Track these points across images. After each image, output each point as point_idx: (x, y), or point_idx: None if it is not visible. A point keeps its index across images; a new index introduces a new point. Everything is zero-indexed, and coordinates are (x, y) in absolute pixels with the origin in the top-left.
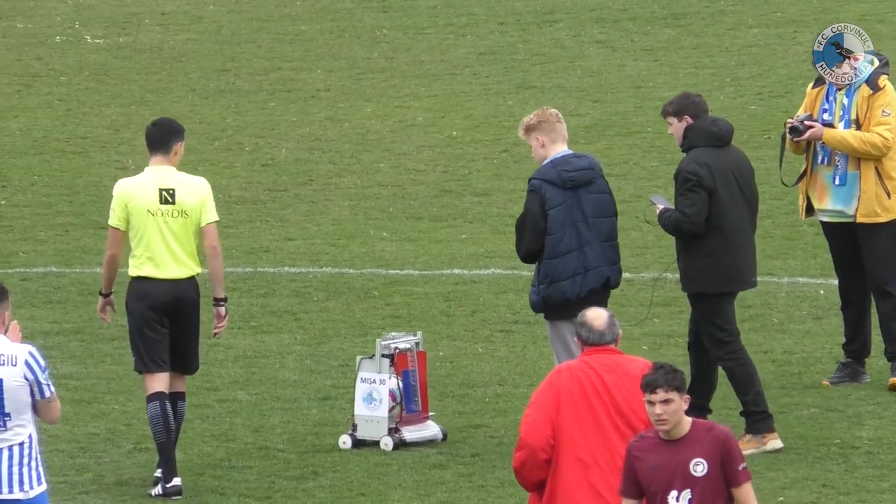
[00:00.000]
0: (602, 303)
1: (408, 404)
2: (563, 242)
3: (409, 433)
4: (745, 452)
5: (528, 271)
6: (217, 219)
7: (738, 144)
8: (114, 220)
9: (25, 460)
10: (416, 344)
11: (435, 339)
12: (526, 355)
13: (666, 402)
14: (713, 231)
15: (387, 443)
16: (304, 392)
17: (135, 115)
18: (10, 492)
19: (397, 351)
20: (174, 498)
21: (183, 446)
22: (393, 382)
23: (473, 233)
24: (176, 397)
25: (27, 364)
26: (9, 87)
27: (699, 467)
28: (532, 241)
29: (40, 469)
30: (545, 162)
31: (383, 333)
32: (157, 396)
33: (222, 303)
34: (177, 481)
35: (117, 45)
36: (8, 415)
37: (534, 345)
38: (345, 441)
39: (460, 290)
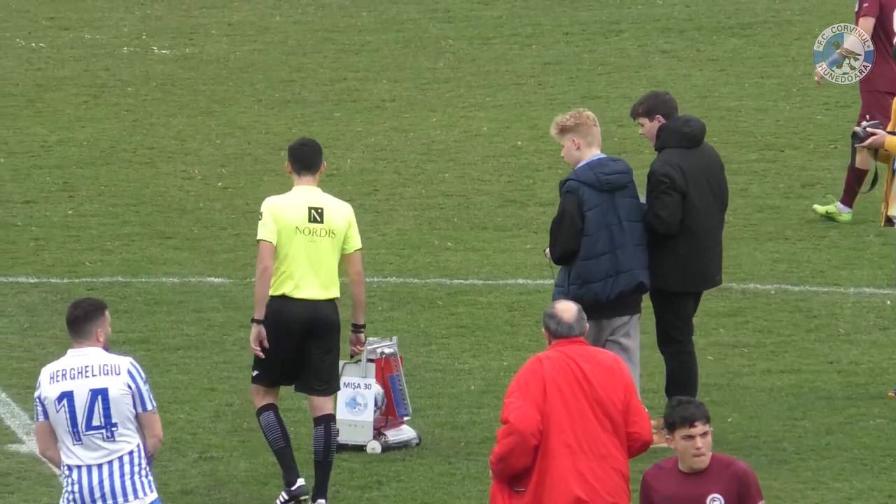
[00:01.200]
0: (632, 306)
1: (398, 408)
2: (599, 244)
3: (392, 437)
4: (656, 444)
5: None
6: (361, 246)
7: (804, 155)
8: (265, 233)
9: (136, 469)
10: (395, 349)
11: (499, 349)
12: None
13: (704, 434)
14: (683, 232)
15: (374, 447)
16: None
17: (201, 126)
18: (126, 500)
19: (383, 356)
20: (302, 498)
21: (248, 455)
22: (377, 387)
23: (538, 243)
24: (328, 419)
25: (129, 373)
26: (76, 98)
27: (715, 503)
28: (569, 241)
29: (150, 477)
30: (581, 164)
31: (371, 338)
32: (270, 407)
33: (361, 329)
34: (300, 482)
35: (184, 55)
36: (115, 424)
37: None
38: None
39: (524, 300)
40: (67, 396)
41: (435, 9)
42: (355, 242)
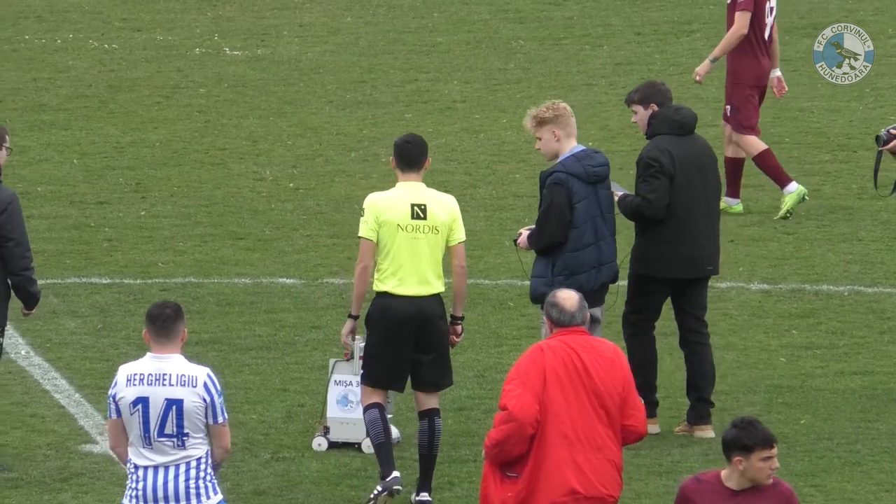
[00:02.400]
0: (604, 297)
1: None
2: (586, 236)
3: None
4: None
5: None
6: (465, 238)
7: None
8: (365, 231)
9: (202, 473)
10: None
11: None
12: (663, 366)
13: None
14: (668, 218)
15: (369, 445)
16: (440, 403)
17: (272, 127)
18: (189, 503)
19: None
20: (395, 488)
21: (320, 456)
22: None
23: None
24: (432, 413)
25: (205, 386)
26: (149, 99)
27: None
28: (557, 233)
29: (214, 480)
30: (566, 155)
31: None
32: (375, 405)
33: (459, 321)
34: (395, 475)
35: (256, 56)
36: (186, 434)
37: (670, 356)
38: (320, 444)
39: None
40: (143, 402)
41: (506, 9)
42: (459, 235)
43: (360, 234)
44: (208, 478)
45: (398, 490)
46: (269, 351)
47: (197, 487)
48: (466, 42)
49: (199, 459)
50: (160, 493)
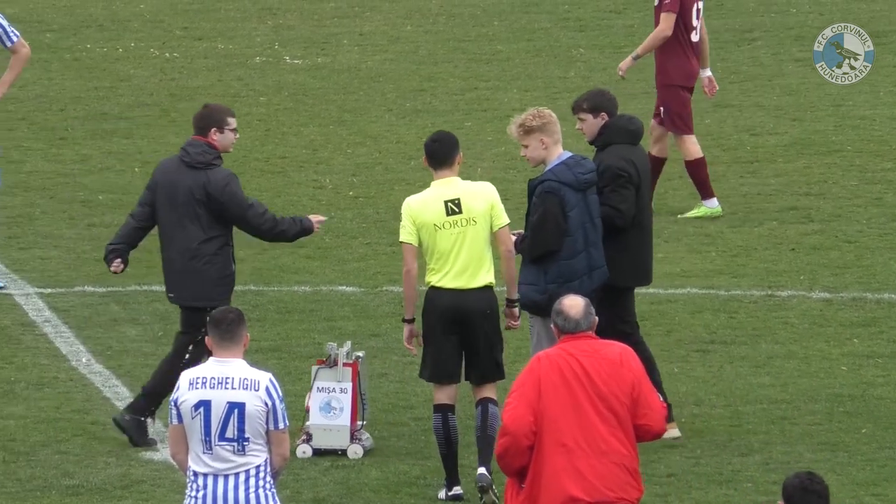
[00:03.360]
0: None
1: (362, 413)
2: (578, 243)
3: (364, 440)
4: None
5: (724, 290)
6: (508, 221)
7: None
8: (405, 236)
9: (261, 483)
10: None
11: None
12: (723, 375)
13: None
14: (634, 227)
15: (356, 451)
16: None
17: (332, 135)
18: None
19: (358, 359)
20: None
21: (380, 464)
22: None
23: (669, 252)
24: (486, 401)
25: (267, 390)
26: None
27: None
28: (552, 242)
29: (274, 489)
30: (556, 163)
31: (329, 343)
32: (441, 409)
33: (515, 304)
34: (457, 490)
35: (316, 65)
36: (247, 439)
37: (730, 365)
38: (304, 451)
39: (655, 310)
40: (204, 405)
41: (566, 18)
42: (501, 220)
43: (400, 240)
44: (268, 486)
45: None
46: None
47: (257, 496)
48: (527, 51)
49: (258, 468)
50: (220, 502)
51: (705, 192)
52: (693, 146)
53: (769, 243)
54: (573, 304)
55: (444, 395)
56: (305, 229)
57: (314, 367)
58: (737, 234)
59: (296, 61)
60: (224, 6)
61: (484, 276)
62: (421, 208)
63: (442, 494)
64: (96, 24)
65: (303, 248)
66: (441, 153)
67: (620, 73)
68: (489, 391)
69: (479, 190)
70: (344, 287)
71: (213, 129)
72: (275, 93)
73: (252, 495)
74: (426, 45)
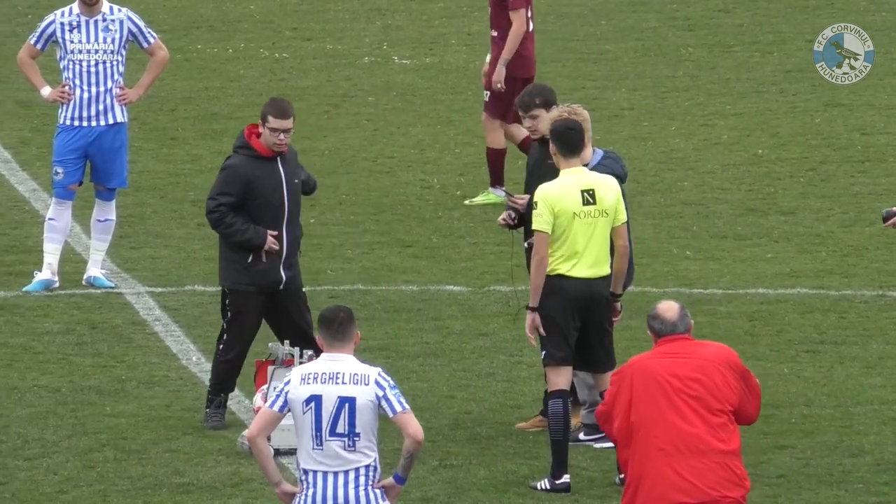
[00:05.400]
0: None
1: None
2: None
3: None
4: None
5: (835, 290)
6: (626, 219)
7: None
8: (541, 223)
9: (371, 482)
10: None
11: None
12: (833, 375)
13: None
14: None
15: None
16: None
17: (440, 135)
18: None
19: (313, 358)
20: (561, 494)
21: (487, 463)
22: None
23: (779, 252)
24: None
25: (377, 383)
26: (318, 108)
27: None
28: None
29: (383, 491)
30: (602, 158)
31: (271, 344)
32: (561, 394)
33: (618, 298)
34: (566, 478)
35: (424, 65)
36: (357, 434)
37: (841, 365)
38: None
39: (765, 310)
40: (315, 400)
41: (675, 17)
42: (622, 216)
43: (534, 227)
44: (376, 483)
45: (565, 493)
46: (437, 358)
47: (367, 494)
48: (635, 50)
49: (367, 467)
50: (329, 501)
51: (496, 180)
52: (501, 136)
53: (880, 243)
54: (668, 307)
55: (563, 380)
56: (250, 242)
57: (270, 368)
58: (848, 234)
59: (404, 61)
60: (333, 7)
61: (608, 266)
62: (560, 195)
63: (546, 484)
64: (207, 24)
65: (410, 247)
66: (575, 140)
67: (499, 85)
68: (608, 381)
69: (609, 182)
70: (451, 286)
71: (259, 123)
72: (383, 93)
73: (362, 493)
74: (534, 45)
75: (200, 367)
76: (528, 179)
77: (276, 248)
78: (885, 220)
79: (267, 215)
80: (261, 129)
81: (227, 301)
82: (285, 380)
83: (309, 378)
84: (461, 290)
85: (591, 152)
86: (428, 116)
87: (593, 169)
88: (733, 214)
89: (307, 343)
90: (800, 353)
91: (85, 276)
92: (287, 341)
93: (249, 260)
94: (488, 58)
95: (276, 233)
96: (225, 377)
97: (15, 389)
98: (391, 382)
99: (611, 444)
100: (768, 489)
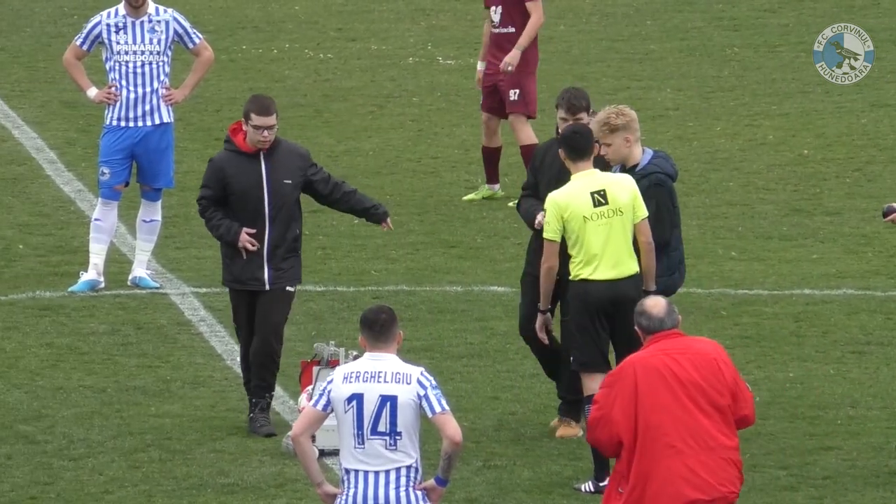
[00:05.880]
0: None
1: None
2: (678, 235)
3: None
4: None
5: (881, 291)
6: (647, 214)
7: None
8: (549, 232)
9: (412, 483)
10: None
11: (785, 360)
12: (879, 377)
13: None
14: None
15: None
16: None
17: None
18: None
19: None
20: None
21: (531, 464)
22: None
23: (825, 252)
24: None
25: (419, 382)
26: (363, 108)
27: None
28: (668, 233)
29: (424, 492)
30: (650, 158)
31: (317, 344)
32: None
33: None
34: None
35: (468, 65)
36: (399, 433)
37: (887, 366)
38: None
39: (811, 311)
40: (357, 398)
41: (720, 17)
42: (641, 212)
43: (544, 236)
44: (419, 492)
45: None
46: (481, 359)
47: (408, 495)
48: (680, 50)
49: (409, 468)
50: (370, 501)
51: (495, 179)
52: (531, 133)
53: None
54: (655, 303)
55: (596, 384)
56: (222, 238)
57: (315, 369)
58: (894, 235)
59: (448, 62)
60: (378, 7)
61: (633, 264)
62: (568, 201)
63: (590, 486)
64: (251, 25)
65: (454, 248)
66: (582, 145)
67: (510, 67)
68: None
69: (622, 181)
70: (496, 287)
71: (242, 120)
72: (427, 93)
73: (403, 494)
74: (578, 45)
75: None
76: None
77: (252, 247)
78: (885, 215)
79: (245, 212)
80: (244, 127)
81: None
82: (328, 379)
83: (351, 377)
84: (505, 291)
85: (640, 152)
86: (472, 117)
87: (642, 169)
88: (779, 215)
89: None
90: (846, 355)
91: (130, 277)
92: (332, 342)
93: (231, 258)
94: (480, 65)
95: (252, 231)
96: (245, 376)
97: (60, 390)
98: (433, 382)
99: None
100: (814, 490)
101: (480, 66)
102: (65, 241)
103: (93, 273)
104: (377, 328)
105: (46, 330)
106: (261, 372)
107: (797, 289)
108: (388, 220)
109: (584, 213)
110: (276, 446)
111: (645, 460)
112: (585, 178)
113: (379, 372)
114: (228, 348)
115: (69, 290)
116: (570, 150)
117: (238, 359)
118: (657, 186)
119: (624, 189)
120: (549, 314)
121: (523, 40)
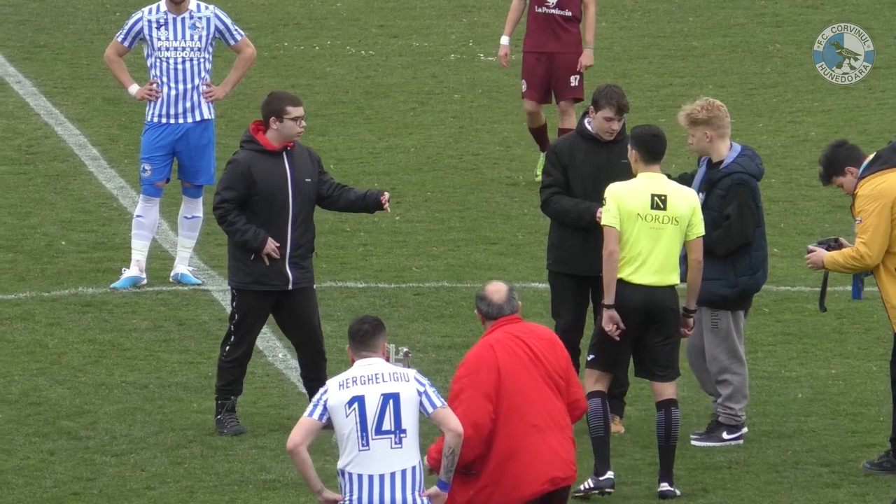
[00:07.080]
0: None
1: None
2: (761, 234)
3: None
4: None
5: None
6: (703, 233)
7: None
8: (609, 218)
9: (417, 485)
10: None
11: (827, 357)
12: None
13: None
14: None
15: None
16: (694, 409)
17: (525, 132)
18: None
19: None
20: (607, 490)
21: None
22: None
23: None
24: (668, 404)
25: (417, 380)
26: (404, 105)
27: None
28: (751, 234)
29: (425, 497)
30: (736, 155)
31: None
32: (601, 395)
33: (692, 314)
34: (609, 475)
35: (510, 62)
36: (404, 431)
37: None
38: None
39: (854, 308)
40: (358, 400)
41: (763, 13)
42: (699, 230)
43: (603, 223)
44: (422, 489)
45: (609, 492)
46: None
47: (414, 499)
48: (722, 46)
49: (413, 469)
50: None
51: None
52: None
53: None
54: (497, 289)
55: (604, 383)
56: (248, 244)
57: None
58: None
59: (490, 58)
60: (420, 4)
61: (674, 276)
62: (627, 195)
63: (590, 483)
64: (293, 22)
65: (495, 244)
66: (660, 149)
67: (590, 65)
68: (671, 390)
69: (686, 193)
70: (537, 284)
71: (272, 119)
72: (469, 90)
73: (409, 496)
74: (621, 42)
75: (287, 363)
76: (596, 175)
77: (276, 255)
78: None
79: (271, 211)
80: (274, 126)
81: (234, 303)
82: (322, 389)
83: (348, 383)
84: (546, 288)
85: (725, 148)
86: (513, 113)
87: (726, 167)
88: (821, 212)
89: (312, 345)
90: (888, 352)
91: (172, 273)
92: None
93: (252, 259)
94: (505, 40)
95: (278, 244)
96: (232, 378)
97: (103, 386)
98: (428, 381)
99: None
100: (856, 487)
101: (505, 40)
102: (107, 238)
103: (135, 269)
104: (360, 337)
105: (89, 326)
106: (317, 372)
107: (840, 286)
108: (387, 197)
109: (638, 211)
110: (317, 443)
111: (507, 440)
112: (650, 180)
113: (376, 374)
114: (270, 345)
115: (111, 286)
116: (646, 151)
117: (280, 356)
118: (739, 186)
119: (686, 202)
120: (614, 311)
121: (591, 37)
